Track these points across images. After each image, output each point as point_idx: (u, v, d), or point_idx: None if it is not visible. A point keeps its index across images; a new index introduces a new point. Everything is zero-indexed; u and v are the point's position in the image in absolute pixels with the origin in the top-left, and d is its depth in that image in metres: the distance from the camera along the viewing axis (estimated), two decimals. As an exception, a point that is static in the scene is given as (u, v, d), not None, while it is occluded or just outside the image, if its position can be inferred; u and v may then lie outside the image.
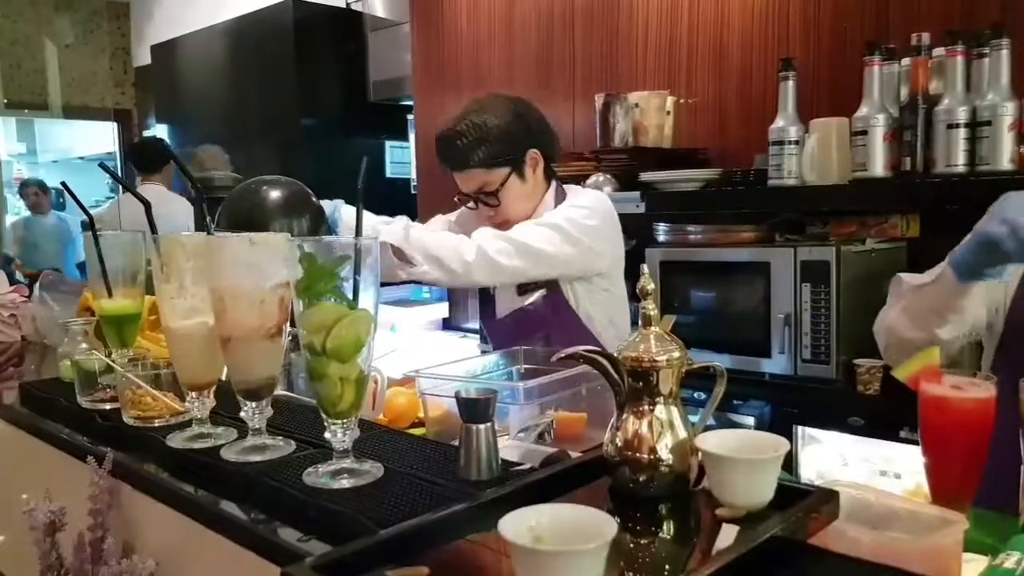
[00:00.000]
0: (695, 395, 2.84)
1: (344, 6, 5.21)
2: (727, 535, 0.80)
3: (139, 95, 7.49)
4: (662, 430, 0.90)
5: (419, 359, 2.07)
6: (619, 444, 0.91)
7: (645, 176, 3.09)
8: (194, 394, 1.19)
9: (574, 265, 2.03)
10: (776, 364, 2.74)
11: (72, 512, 1.22)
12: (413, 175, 4.73)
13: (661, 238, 3.07)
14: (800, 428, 2.69)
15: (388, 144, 5.27)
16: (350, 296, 0.99)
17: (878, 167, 2.59)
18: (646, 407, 0.90)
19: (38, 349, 2.34)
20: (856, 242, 2.78)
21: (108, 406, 1.42)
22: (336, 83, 5.16)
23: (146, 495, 1.15)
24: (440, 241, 1.96)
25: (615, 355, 0.90)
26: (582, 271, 2.06)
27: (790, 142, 2.77)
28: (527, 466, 1.04)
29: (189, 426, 1.23)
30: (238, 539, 0.99)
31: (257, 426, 1.13)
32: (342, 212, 1.94)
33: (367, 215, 1.95)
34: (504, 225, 2.08)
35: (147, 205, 1.22)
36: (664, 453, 0.89)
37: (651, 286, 0.91)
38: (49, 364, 2.16)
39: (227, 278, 1.07)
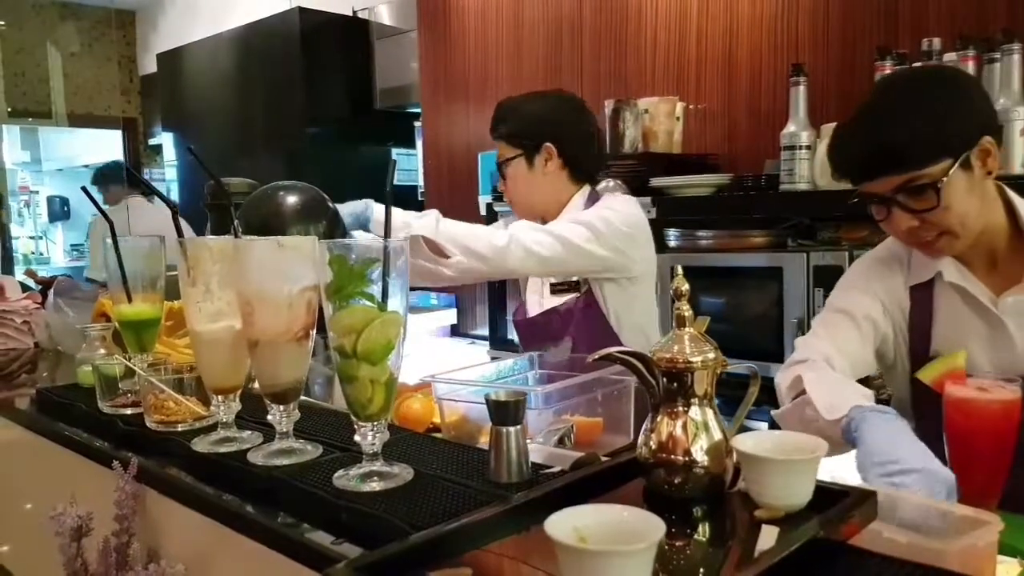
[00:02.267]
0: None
1: (351, 14, 5.22)
2: (766, 537, 0.80)
3: (145, 104, 7.51)
4: (697, 432, 0.89)
5: (430, 365, 2.07)
6: (653, 446, 0.90)
7: (656, 182, 3.09)
8: (220, 398, 1.18)
9: (606, 263, 2.04)
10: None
11: (95, 518, 1.21)
12: (420, 182, 4.74)
13: (672, 244, 3.06)
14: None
15: (395, 152, 5.28)
16: (380, 298, 0.98)
17: (889, 171, 2.59)
18: (680, 408, 0.90)
19: (51, 356, 2.34)
20: (868, 246, 2.76)
21: (129, 411, 1.42)
22: (342, 91, 5.17)
23: (172, 500, 1.15)
24: (471, 230, 1.98)
25: (649, 356, 0.90)
26: (613, 270, 2.07)
27: (801, 147, 2.78)
28: (557, 469, 1.04)
29: (214, 430, 1.22)
30: (268, 542, 0.99)
31: (284, 430, 1.12)
32: (374, 210, 1.94)
33: (397, 211, 1.95)
34: (515, 209, 2.20)
35: (175, 209, 1.22)
36: (699, 455, 0.88)
37: (685, 287, 0.91)
38: (63, 371, 2.16)
39: (254, 282, 1.06)
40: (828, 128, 2.75)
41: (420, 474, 1.03)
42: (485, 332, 3.91)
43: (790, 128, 2.79)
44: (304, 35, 5.03)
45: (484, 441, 1.54)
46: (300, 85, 5.05)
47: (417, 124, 4.71)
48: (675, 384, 0.90)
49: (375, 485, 0.99)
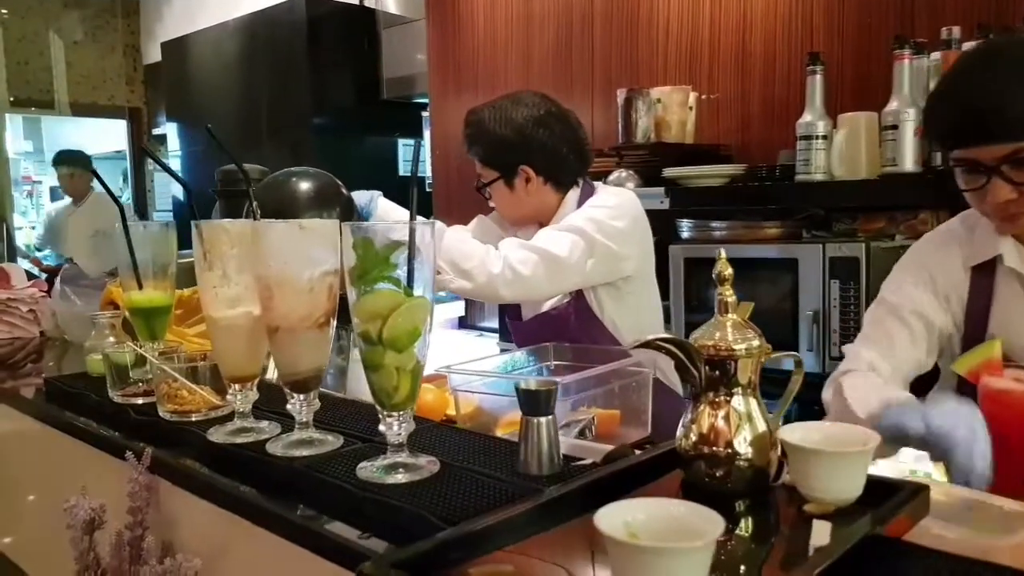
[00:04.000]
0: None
1: (357, 3, 5.18)
2: (817, 533, 0.76)
3: (149, 93, 7.45)
4: (740, 422, 0.85)
5: (439, 357, 2.03)
6: (694, 438, 0.86)
7: (668, 172, 3.05)
8: (237, 387, 1.14)
9: (597, 272, 1.97)
10: (804, 362, 2.69)
11: (107, 511, 1.17)
12: (428, 173, 4.70)
13: (685, 235, 3.02)
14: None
15: (401, 142, 5.24)
16: (406, 283, 0.94)
17: (908, 162, 2.55)
18: (723, 398, 0.86)
19: (57, 345, 2.30)
20: (885, 238, 2.74)
21: (140, 400, 1.38)
22: (348, 81, 5.12)
23: (187, 492, 1.10)
24: (469, 251, 1.91)
25: (690, 343, 0.86)
26: (606, 277, 2.00)
27: (818, 137, 2.74)
28: (589, 461, 1.00)
29: (230, 420, 1.18)
30: (288, 535, 0.95)
31: (304, 419, 1.08)
32: (378, 204, 1.90)
33: (400, 211, 1.92)
34: (507, 221, 2.14)
35: (188, 190, 1.18)
36: (743, 447, 0.85)
37: (728, 271, 0.87)
38: (69, 360, 2.12)
39: (274, 266, 1.02)
40: (845, 118, 2.72)
41: (446, 465, 0.99)
42: (494, 324, 3.87)
43: (806, 118, 2.76)
44: (310, 24, 4.98)
45: (500, 432, 1.50)
46: (306, 75, 5.01)
47: (424, 115, 4.67)
48: (717, 372, 0.86)
49: (400, 477, 0.96)
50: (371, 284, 0.94)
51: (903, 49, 2.56)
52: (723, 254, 0.87)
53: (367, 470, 0.97)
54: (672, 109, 3.24)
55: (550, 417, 0.96)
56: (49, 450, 1.54)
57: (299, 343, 1.04)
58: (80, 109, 7.34)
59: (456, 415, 1.69)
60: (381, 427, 0.98)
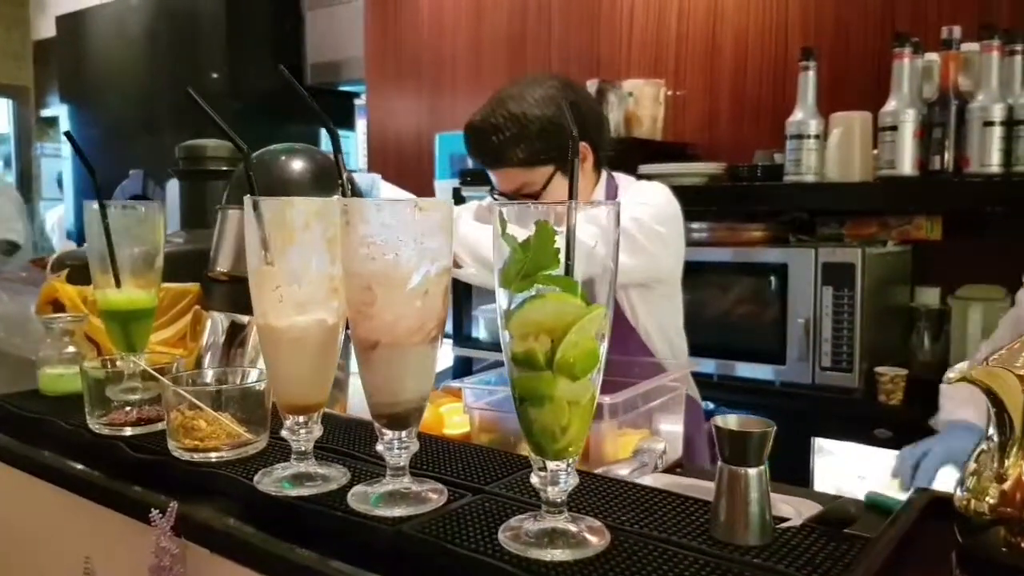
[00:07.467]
0: (708, 405, 2.65)
1: (279, -19, 4.80)
2: None
3: (38, 71, 6.75)
4: (1058, 478, 0.64)
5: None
6: (993, 498, 0.65)
7: (644, 169, 2.85)
8: (301, 419, 0.86)
9: (635, 275, 1.76)
10: (792, 372, 2.56)
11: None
12: (357, 166, 4.39)
13: (665, 236, 2.84)
14: (816, 440, 2.53)
15: (325, 133, 4.89)
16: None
17: (906, 165, 2.44)
18: (1037, 446, 0.65)
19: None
20: (877, 243, 2.63)
21: (129, 431, 1.07)
22: (269, 65, 4.74)
23: (239, 565, 0.81)
24: (491, 238, 1.63)
25: (1006, 373, 0.64)
26: (643, 280, 1.80)
27: (810, 136, 2.60)
28: (797, 522, 0.76)
29: (280, 462, 0.90)
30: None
31: (401, 464, 0.81)
32: (382, 189, 1.61)
33: (407, 196, 1.65)
34: None
35: (246, 154, 0.90)
36: (1063, 510, 0.64)
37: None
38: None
39: (382, 260, 0.74)
40: (839, 117, 2.58)
41: (612, 530, 0.74)
42: (447, 328, 3.60)
43: (797, 116, 2.62)
44: (228, 2, 4.59)
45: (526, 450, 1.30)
46: (222, 57, 4.61)
47: (358, 103, 4.35)
48: (1032, 412, 0.65)
49: (560, 553, 0.70)
50: (531, 286, 0.69)
51: (903, 47, 2.45)
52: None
53: (513, 537, 0.72)
54: (644, 103, 3.06)
55: (762, 468, 0.73)
56: (6, 496, 1.19)
57: (405, 363, 0.77)
58: (-45, 87, 6.60)
59: (472, 434, 1.52)
60: (534, 480, 0.72)
